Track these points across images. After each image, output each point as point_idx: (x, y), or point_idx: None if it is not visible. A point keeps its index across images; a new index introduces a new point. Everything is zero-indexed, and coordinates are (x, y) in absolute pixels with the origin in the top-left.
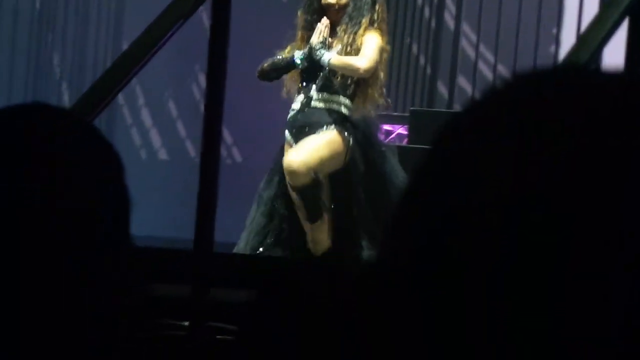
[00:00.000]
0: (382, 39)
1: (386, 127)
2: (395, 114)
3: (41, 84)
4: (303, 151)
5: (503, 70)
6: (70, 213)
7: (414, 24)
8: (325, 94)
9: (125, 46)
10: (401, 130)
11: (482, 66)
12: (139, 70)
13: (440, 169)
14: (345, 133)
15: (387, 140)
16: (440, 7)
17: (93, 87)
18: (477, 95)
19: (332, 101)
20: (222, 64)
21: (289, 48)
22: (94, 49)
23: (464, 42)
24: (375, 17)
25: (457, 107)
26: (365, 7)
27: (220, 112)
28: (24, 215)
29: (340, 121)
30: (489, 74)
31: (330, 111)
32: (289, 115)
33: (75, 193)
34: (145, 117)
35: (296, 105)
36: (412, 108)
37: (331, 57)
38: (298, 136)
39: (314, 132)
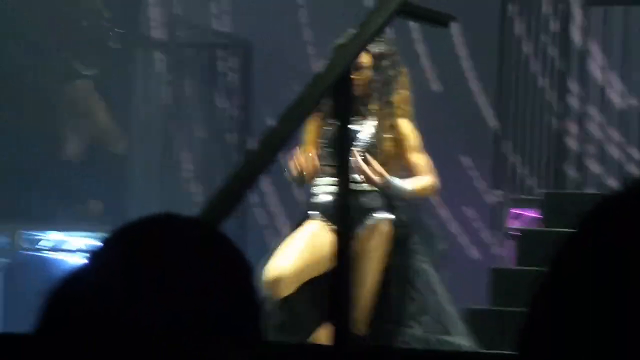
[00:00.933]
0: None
1: (516, 210)
2: (525, 197)
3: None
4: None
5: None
6: (200, 320)
7: (537, 108)
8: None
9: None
10: (531, 213)
11: (610, 148)
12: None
13: (590, 259)
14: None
15: (518, 224)
16: (562, 88)
17: (221, 191)
18: (608, 179)
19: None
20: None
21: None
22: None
23: (590, 124)
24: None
25: (589, 190)
26: (393, 81)
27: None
28: (157, 321)
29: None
30: (615, 154)
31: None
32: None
33: (205, 300)
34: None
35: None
36: (545, 191)
37: (406, 187)
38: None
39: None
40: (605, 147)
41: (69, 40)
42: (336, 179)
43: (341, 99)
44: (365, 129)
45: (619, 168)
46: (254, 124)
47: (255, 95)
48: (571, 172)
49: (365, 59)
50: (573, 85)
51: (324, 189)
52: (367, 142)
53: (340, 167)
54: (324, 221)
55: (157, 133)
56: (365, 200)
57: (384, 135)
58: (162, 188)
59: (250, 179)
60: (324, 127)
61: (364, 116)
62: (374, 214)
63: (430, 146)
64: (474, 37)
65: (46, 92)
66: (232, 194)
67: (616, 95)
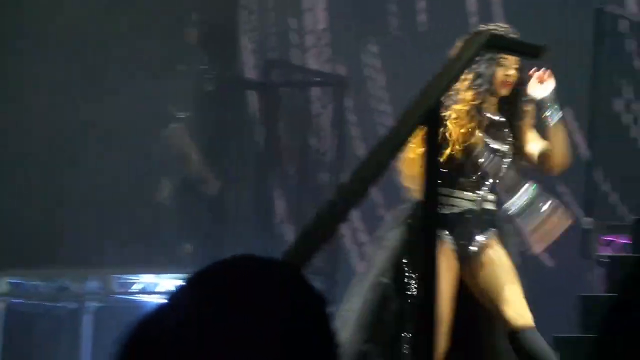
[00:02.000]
0: None
1: (607, 237)
2: (616, 223)
3: None
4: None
5: None
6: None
7: (628, 136)
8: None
9: None
10: (622, 240)
11: None
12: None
13: None
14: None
15: (608, 251)
16: None
17: (310, 226)
18: None
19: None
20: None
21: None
22: None
23: None
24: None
25: None
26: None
27: None
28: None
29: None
30: None
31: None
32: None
33: (283, 339)
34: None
35: (462, 202)
36: (636, 217)
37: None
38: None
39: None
40: None
41: (164, 84)
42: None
43: (431, 131)
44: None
45: None
46: (348, 163)
47: (351, 133)
48: None
49: (514, 61)
50: None
51: (455, 202)
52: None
53: (427, 196)
54: (451, 241)
55: (249, 174)
56: (487, 218)
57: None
58: (255, 229)
59: (342, 212)
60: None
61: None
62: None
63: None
64: (566, 64)
65: (141, 136)
66: (322, 228)
67: None
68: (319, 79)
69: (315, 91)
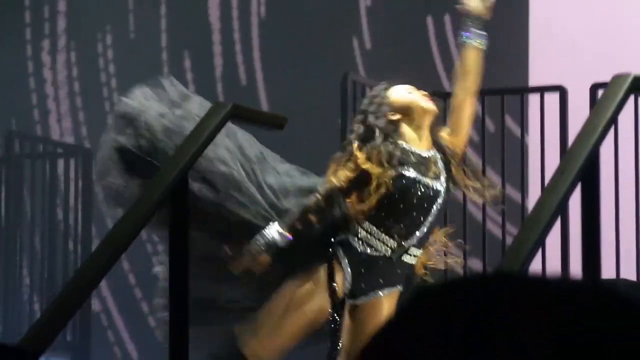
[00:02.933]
0: None
1: None
2: None
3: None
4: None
5: None
6: None
7: None
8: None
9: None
10: None
11: None
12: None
13: None
14: None
15: None
16: None
17: None
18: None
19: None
20: None
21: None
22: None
23: None
24: None
25: None
26: None
27: None
28: None
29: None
30: None
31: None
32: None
33: None
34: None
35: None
36: None
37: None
38: (366, 284)
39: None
40: None
41: None
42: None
43: (176, 204)
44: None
45: None
46: (98, 233)
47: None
48: None
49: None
50: None
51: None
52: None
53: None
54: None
55: None
56: (400, 272)
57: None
58: (2, 302)
59: (91, 283)
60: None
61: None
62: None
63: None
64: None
65: None
66: (71, 300)
67: None
68: (61, 150)
69: (60, 162)
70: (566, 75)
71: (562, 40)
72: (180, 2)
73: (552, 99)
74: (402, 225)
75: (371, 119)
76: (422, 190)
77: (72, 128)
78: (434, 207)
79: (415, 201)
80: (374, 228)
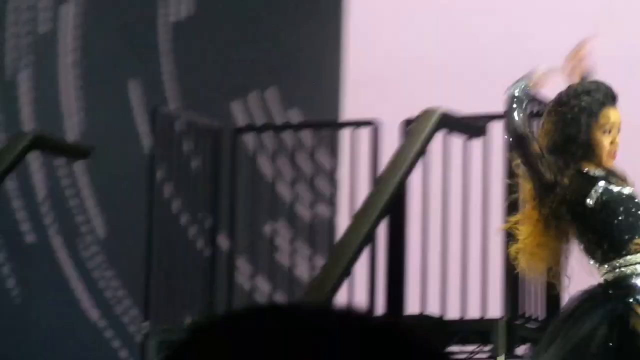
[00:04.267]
0: None
1: None
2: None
3: None
4: None
5: None
6: None
7: None
8: None
9: None
10: None
11: None
12: None
13: None
14: None
15: None
16: None
17: None
18: None
19: None
20: None
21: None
22: None
23: None
24: None
25: None
26: None
27: None
28: None
29: None
30: None
31: None
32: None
33: None
34: None
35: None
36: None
37: None
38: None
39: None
40: None
41: None
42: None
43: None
44: None
45: None
46: None
47: None
48: None
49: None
50: None
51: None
52: None
53: None
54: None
55: None
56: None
57: None
58: None
59: None
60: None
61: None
62: None
63: None
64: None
65: None
66: None
67: None
68: None
69: None
70: (380, 110)
71: (377, 76)
72: None
73: (365, 134)
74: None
75: None
76: None
77: None
78: None
79: None
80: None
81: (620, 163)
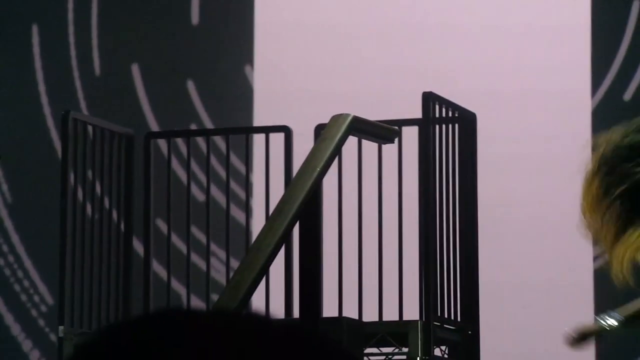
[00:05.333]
0: None
1: None
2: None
3: None
4: None
5: None
6: None
7: None
8: None
9: None
10: None
11: None
12: None
13: None
14: None
15: None
16: None
17: None
18: None
19: None
20: None
21: None
22: None
23: None
24: None
25: None
26: None
27: None
28: None
29: None
30: None
31: None
32: None
33: None
34: None
35: None
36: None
37: None
38: None
39: None
40: None
41: None
42: None
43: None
44: None
45: None
46: None
47: None
48: None
49: None
50: None
51: None
52: None
53: None
54: None
55: None
56: None
57: None
58: None
59: None
60: None
61: None
62: None
63: None
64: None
65: None
66: None
67: None
68: None
69: None
70: (292, 115)
71: (289, 81)
72: None
73: (278, 139)
74: None
75: None
76: None
77: None
78: None
79: None
80: None
81: None
